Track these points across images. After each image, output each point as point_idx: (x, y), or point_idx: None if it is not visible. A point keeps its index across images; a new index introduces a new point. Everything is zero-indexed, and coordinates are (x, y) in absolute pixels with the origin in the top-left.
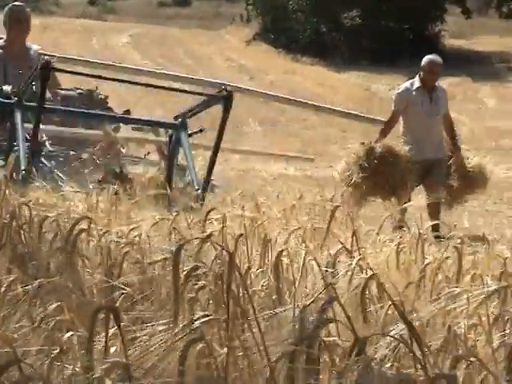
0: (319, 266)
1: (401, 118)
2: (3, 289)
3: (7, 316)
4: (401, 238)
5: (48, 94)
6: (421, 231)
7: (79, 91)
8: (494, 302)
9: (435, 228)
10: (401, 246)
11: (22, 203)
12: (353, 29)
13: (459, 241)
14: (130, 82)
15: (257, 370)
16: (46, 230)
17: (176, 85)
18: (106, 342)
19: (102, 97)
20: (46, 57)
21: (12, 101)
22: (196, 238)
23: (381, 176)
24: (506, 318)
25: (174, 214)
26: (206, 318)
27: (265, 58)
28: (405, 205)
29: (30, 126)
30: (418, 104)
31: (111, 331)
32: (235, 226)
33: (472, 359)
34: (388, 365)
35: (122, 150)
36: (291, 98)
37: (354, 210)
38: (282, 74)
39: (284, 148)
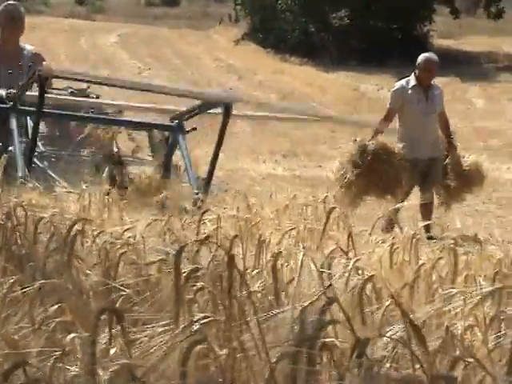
0: (317, 268)
1: (396, 116)
2: (4, 290)
3: (8, 317)
4: (393, 238)
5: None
6: (414, 232)
7: (71, 91)
8: (488, 303)
9: (427, 228)
10: (394, 247)
11: (17, 204)
12: (341, 29)
13: (452, 241)
14: (131, 88)
15: (257, 371)
16: (41, 231)
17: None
18: (109, 343)
19: (94, 96)
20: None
21: (7, 105)
22: (196, 241)
23: (375, 174)
24: (502, 318)
25: (169, 215)
26: (206, 320)
27: (253, 58)
28: (397, 205)
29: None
30: (414, 102)
31: (108, 333)
32: (228, 227)
33: (470, 360)
34: (387, 366)
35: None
36: (300, 116)
37: (348, 210)
38: (270, 74)
39: (273, 148)
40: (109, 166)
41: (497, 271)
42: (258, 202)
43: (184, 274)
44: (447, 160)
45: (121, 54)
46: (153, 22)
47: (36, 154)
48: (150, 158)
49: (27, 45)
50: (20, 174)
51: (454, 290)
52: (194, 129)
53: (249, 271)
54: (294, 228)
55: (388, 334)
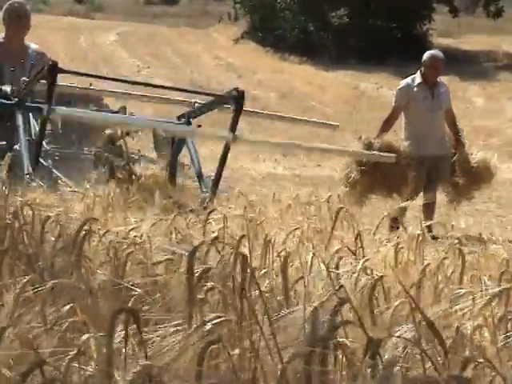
0: (327, 268)
1: (402, 115)
2: (17, 290)
3: (20, 317)
4: (398, 238)
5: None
6: (419, 231)
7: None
8: (495, 303)
9: (429, 228)
10: (399, 247)
11: (24, 204)
12: (341, 28)
13: (457, 241)
14: (139, 83)
15: (270, 371)
16: (48, 231)
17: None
18: (125, 343)
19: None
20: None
21: (12, 101)
22: (208, 241)
23: (380, 172)
24: (510, 318)
25: (174, 214)
26: (219, 320)
27: (253, 57)
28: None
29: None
30: (420, 100)
31: (121, 332)
32: (234, 227)
33: (480, 360)
34: (399, 366)
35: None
36: (310, 119)
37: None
38: (269, 73)
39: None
40: (111, 160)
41: (503, 271)
42: (261, 201)
43: (196, 274)
44: (455, 157)
45: (120, 52)
46: (152, 21)
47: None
48: (155, 157)
49: (32, 44)
50: (25, 172)
51: (462, 291)
52: (199, 126)
53: (256, 271)
54: (299, 228)
55: (398, 334)
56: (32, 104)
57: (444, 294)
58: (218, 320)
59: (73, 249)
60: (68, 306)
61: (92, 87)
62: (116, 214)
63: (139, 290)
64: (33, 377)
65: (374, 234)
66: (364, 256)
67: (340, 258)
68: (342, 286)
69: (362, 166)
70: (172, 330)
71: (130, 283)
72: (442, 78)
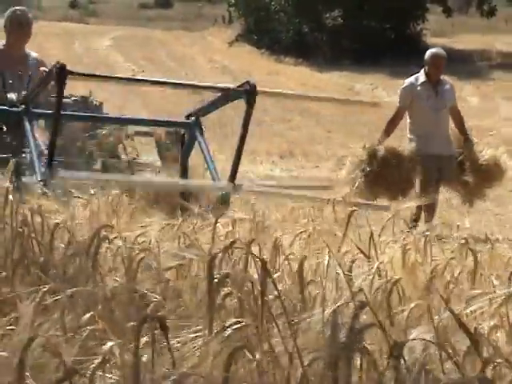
0: (343, 271)
1: (406, 114)
2: (37, 299)
3: (40, 325)
4: (404, 239)
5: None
6: (426, 232)
7: (74, 98)
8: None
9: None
10: (406, 248)
11: (33, 211)
12: (335, 29)
13: (464, 241)
14: (146, 81)
15: (292, 374)
16: (56, 238)
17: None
18: (152, 351)
19: (97, 103)
20: None
21: (19, 109)
22: (226, 246)
23: (384, 179)
24: None
25: (182, 219)
26: (239, 325)
27: (248, 59)
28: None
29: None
30: (424, 99)
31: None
32: (241, 230)
33: (499, 361)
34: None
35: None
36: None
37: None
38: (265, 75)
39: (270, 148)
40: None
41: None
42: (265, 204)
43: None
44: (464, 156)
45: (115, 56)
46: (146, 24)
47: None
48: (154, 161)
49: (32, 52)
50: (39, 178)
51: (477, 291)
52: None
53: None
54: (306, 231)
55: (417, 336)
56: (39, 110)
57: (456, 295)
58: (239, 325)
59: (87, 256)
60: (88, 314)
61: (91, 98)
62: (122, 220)
63: (158, 297)
64: None
65: (380, 235)
66: (377, 258)
67: (353, 261)
68: (361, 290)
69: (367, 174)
70: (192, 335)
71: (146, 289)
72: None
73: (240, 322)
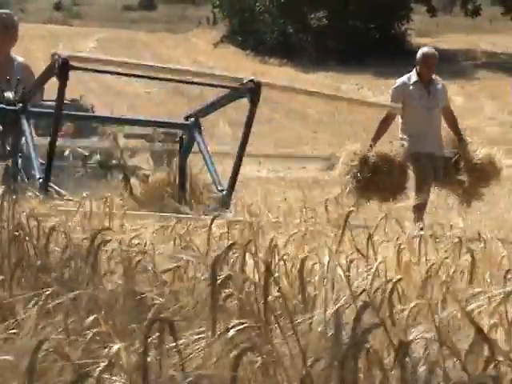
0: (344, 271)
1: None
2: (41, 302)
3: (43, 329)
4: (398, 238)
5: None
6: (420, 231)
7: (65, 101)
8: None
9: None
10: (401, 247)
11: (30, 215)
12: (320, 29)
13: (457, 240)
14: (150, 78)
15: (295, 376)
16: (52, 241)
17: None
18: (161, 353)
19: (89, 106)
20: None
21: (16, 107)
22: (228, 249)
23: (375, 185)
24: None
25: (175, 221)
26: (242, 326)
27: (233, 60)
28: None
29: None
30: (416, 98)
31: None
32: (233, 232)
33: (500, 359)
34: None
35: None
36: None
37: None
38: (250, 76)
39: (256, 149)
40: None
41: (508, 270)
42: (255, 205)
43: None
44: (458, 156)
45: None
46: (130, 26)
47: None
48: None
49: (18, 56)
50: (37, 176)
51: (477, 290)
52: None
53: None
54: (300, 231)
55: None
56: (37, 109)
57: (454, 294)
58: (242, 326)
59: (87, 258)
60: (92, 317)
61: (82, 101)
62: (115, 222)
63: (161, 299)
64: None
65: (372, 235)
66: (376, 259)
67: (351, 261)
68: (364, 290)
69: (358, 180)
70: (195, 337)
71: (146, 292)
72: None
73: (242, 323)
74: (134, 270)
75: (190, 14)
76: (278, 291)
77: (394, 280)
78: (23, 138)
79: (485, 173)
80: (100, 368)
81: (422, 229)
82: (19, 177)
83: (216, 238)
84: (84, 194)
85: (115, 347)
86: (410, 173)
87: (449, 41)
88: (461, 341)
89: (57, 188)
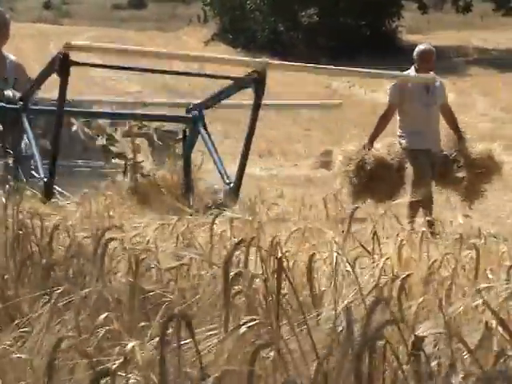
0: (352, 268)
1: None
2: (53, 300)
3: (55, 327)
4: (398, 235)
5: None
6: (422, 228)
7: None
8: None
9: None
10: (402, 244)
11: (34, 214)
12: (310, 27)
13: (458, 236)
14: (152, 71)
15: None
16: (56, 240)
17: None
18: (178, 350)
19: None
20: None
21: (17, 106)
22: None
23: (371, 190)
24: None
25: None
26: (253, 322)
27: None
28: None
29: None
30: (415, 95)
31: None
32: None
33: (511, 354)
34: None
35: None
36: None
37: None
38: (241, 74)
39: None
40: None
41: (511, 265)
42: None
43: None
44: (457, 153)
45: (90, 57)
46: (120, 25)
47: (33, 166)
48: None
49: (10, 54)
50: (42, 175)
51: (484, 285)
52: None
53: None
54: (300, 229)
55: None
56: (38, 107)
57: (459, 289)
58: (253, 323)
59: (94, 257)
60: (104, 315)
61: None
62: (115, 220)
63: (172, 296)
64: None
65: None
66: (382, 255)
67: (356, 258)
68: (376, 286)
69: (354, 184)
70: (208, 333)
71: (154, 289)
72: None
73: (254, 320)
74: (139, 268)
75: (180, 13)
76: (291, 287)
77: (402, 276)
78: (24, 137)
79: (485, 168)
80: (116, 365)
81: (431, 225)
82: (19, 176)
83: (217, 236)
84: (83, 193)
85: (130, 344)
86: (408, 171)
87: (440, 37)
88: (469, 335)
89: (59, 189)
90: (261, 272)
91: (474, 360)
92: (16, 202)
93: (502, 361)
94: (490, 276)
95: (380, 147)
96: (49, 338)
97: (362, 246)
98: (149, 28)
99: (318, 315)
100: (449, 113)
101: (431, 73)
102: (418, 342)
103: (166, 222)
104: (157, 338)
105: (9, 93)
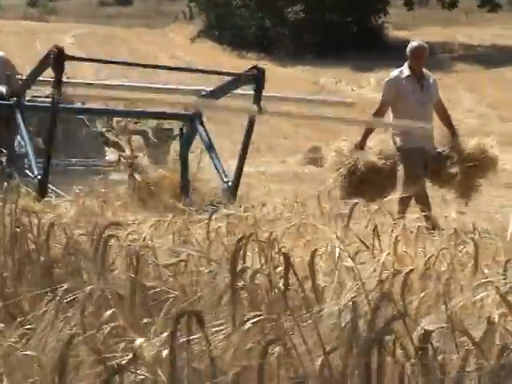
0: (354, 263)
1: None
2: (58, 298)
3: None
4: (392, 231)
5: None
6: (420, 224)
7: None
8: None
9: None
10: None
11: (30, 212)
12: (297, 23)
13: (452, 231)
14: (149, 66)
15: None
16: (52, 237)
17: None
18: (188, 345)
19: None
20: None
21: (10, 101)
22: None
23: (362, 192)
24: None
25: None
26: (260, 318)
27: (210, 55)
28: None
29: None
30: (409, 92)
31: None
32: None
33: None
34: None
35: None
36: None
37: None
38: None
39: (235, 144)
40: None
41: (508, 259)
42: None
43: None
44: (450, 149)
45: (77, 54)
46: (106, 22)
47: (26, 165)
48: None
49: None
50: (35, 173)
51: (484, 280)
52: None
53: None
54: (295, 225)
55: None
56: (32, 103)
57: (457, 284)
58: (258, 318)
59: (95, 254)
60: (110, 311)
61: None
62: (110, 218)
63: (176, 292)
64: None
65: (366, 227)
66: (381, 250)
67: (356, 253)
68: (381, 281)
69: (345, 185)
70: (215, 328)
71: (157, 286)
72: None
73: (260, 315)
74: (140, 264)
75: (165, 9)
76: (298, 282)
77: (405, 271)
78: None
79: (479, 163)
80: (125, 361)
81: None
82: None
83: (212, 232)
84: (77, 190)
85: (139, 340)
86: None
87: (426, 34)
88: (472, 330)
89: (54, 188)
90: (259, 267)
91: (479, 353)
92: (13, 200)
93: (505, 354)
94: (486, 271)
95: (373, 145)
96: (54, 335)
97: (362, 241)
98: (135, 25)
99: (321, 310)
100: (442, 109)
101: (424, 70)
102: (427, 335)
103: (162, 219)
104: (163, 335)
105: (1, 89)
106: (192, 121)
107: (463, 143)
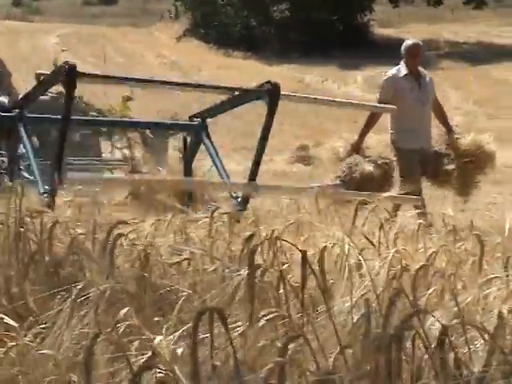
0: (364, 260)
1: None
2: (73, 296)
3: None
4: (390, 228)
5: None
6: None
7: (51, 94)
8: None
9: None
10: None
11: (33, 211)
12: (282, 22)
13: (451, 228)
14: (163, 82)
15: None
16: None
17: None
18: (211, 343)
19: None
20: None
21: (12, 114)
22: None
23: (360, 189)
24: None
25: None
26: (273, 315)
27: (196, 54)
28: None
29: None
30: (407, 91)
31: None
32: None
33: None
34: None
35: None
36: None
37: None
38: (215, 70)
39: (223, 142)
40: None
41: (509, 256)
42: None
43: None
44: (447, 147)
45: (63, 54)
46: (91, 21)
47: (22, 167)
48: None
49: None
50: (41, 190)
51: (491, 275)
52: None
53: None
54: (294, 222)
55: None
56: (35, 115)
57: (461, 280)
58: (273, 315)
59: (103, 253)
60: (125, 310)
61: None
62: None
63: (189, 291)
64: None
65: (364, 225)
66: (387, 247)
67: (362, 249)
68: (394, 278)
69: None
70: (232, 325)
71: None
72: (386, 68)
73: (277, 312)
74: (146, 263)
75: (151, 8)
76: (316, 279)
77: (417, 267)
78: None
79: (476, 159)
80: (144, 359)
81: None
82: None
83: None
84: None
85: (158, 338)
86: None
87: (411, 31)
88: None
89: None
90: (269, 264)
91: (493, 348)
92: (16, 200)
93: None
94: (486, 267)
95: (370, 145)
96: (70, 334)
97: (367, 238)
98: (121, 24)
99: (333, 307)
100: (438, 106)
101: (420, 68)
102: (445, 330)
103: (162, 218)
104: (176, 333)
105: (3, 99)
106: (197, 132)
107: (459, 139)
